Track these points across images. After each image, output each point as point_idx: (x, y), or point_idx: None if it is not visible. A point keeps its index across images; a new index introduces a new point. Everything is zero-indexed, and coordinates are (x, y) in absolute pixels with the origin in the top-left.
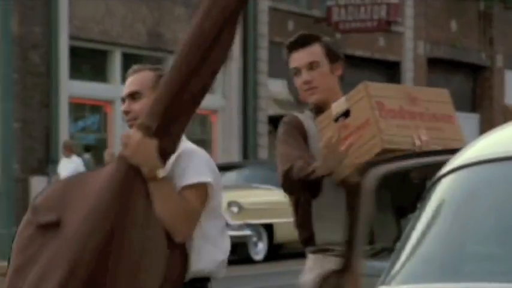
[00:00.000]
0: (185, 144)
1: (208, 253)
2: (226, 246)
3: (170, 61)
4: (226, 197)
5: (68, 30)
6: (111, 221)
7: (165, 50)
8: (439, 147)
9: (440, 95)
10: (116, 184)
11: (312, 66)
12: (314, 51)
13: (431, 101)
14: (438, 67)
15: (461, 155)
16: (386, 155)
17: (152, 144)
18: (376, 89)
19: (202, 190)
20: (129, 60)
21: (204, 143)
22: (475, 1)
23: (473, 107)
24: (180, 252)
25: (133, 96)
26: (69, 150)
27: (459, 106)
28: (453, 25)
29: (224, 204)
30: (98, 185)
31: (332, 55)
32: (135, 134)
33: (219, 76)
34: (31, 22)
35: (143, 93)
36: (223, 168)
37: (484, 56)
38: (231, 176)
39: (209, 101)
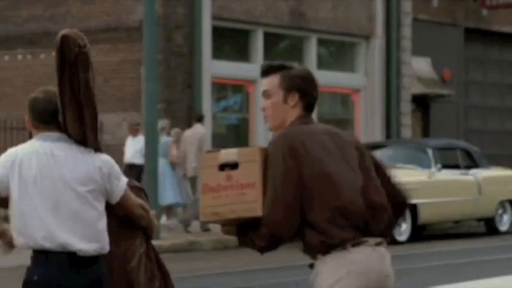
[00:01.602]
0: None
1: None
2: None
3: (312, 40)
4: None
5: (211, 10)
6: None
7: (307, 29)
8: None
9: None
10: None
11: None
12: (270, 82)
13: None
14: None
15: None
16: None
17: None
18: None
19: None
20: (271, 40)
21: (345, 122)
22: None
23: None
24: None
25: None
26: (135, 131)
27: None
28: None
29: None
30: None
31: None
32: None
33: (361, 55)
34: (175, 3)
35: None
36: (366, 147)
37: None
38: (374, 155)
39: (351, 80)
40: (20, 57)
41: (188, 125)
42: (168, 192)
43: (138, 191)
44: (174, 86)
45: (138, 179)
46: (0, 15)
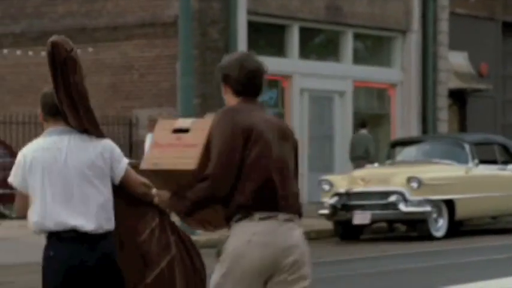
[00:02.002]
0: None
1: None
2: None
3: (348, 35)
4: (406, 172)
5: (246, 5)
6: None
7: (344, 24)
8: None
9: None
10: None
11: None
12: None
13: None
14: None
15: None
16: None
17: None
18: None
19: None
20: (307, 35)
21: (382, 117)
22: None
23: None
24: None
25: None
26: (153, 127)
27: None
28: None
29: (403, 180)
30: None
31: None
32: None
33: (398, 49)
34: None
35: None
36: (402, 143)
37: None
38: (410, 151)
39: (387, 75)
40: None
41: None
42: None
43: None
44: (210, 81)
45: None
46: (36, 11)
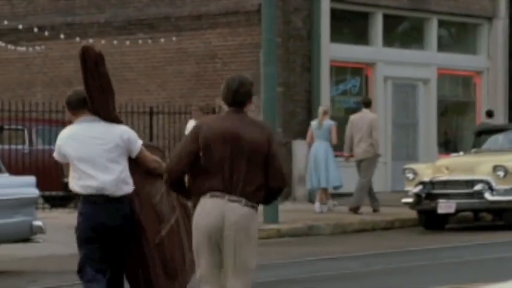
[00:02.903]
0: None
1: None
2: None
3: (433, 22)
4: (492, 160)
5: None
6: None
7: (428, 11)
8: None
9: None
10: None
11: None
12: None
13: None
14: None
15: None
16: None
17: None
18: None
19: None
20: (390, 22)
21: (467, 105)
22: None
23: None
24: None
25: None
26: (197, 113)
27: None
28: None
29: (489, 168)
30: None
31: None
32: None
33: (483, 37)
34: None
35: None
36: (488, 131)
37: None
38: (496, 139)
39: (473, 62)
40: (140, 42)
41: (308, 108)
42: (333, 175)
43: (155, 149)
44: (293, 70)
45: None
46: (121, 1)
